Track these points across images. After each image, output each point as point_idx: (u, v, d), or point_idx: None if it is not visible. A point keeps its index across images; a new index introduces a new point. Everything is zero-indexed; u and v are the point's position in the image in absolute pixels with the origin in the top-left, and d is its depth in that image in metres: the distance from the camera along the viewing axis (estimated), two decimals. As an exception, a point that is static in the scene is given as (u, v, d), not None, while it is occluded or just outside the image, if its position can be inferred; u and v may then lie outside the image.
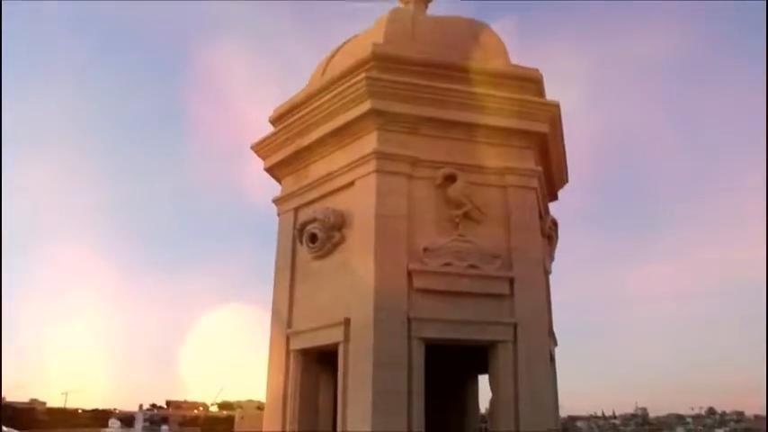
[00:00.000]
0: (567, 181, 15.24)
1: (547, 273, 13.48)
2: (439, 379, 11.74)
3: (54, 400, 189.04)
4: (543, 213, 13.31)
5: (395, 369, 10.37)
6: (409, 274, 10.91)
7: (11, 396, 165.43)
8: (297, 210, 12.74)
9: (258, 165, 13.76)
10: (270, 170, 13.68)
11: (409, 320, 10.66)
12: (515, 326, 11.25)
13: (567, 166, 14.83)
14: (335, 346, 11.06)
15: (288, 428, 11.62)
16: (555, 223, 14.16)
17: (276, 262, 12.88)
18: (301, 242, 12.23)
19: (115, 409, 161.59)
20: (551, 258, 14.28)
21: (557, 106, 12.59)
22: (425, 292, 10.93)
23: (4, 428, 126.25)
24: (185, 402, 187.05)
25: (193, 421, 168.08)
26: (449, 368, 13.14)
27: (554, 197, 15.08)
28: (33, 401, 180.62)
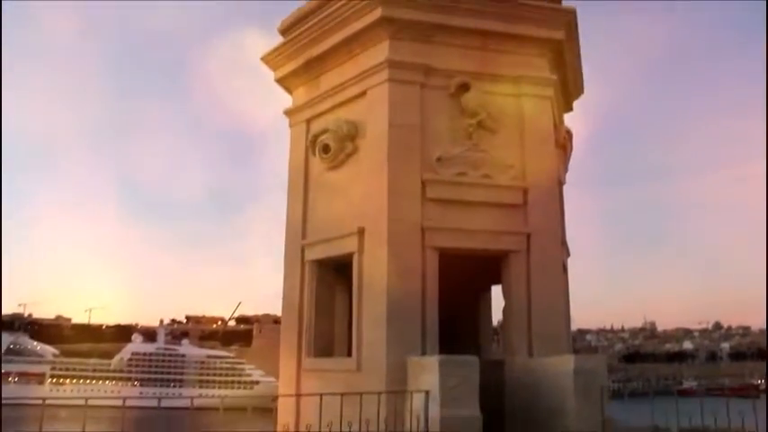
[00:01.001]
0: (582, 92, 15.00)
1: (561, 183, 13.44)
2: (452, 289, 11.91)
3: (78, 317, 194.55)
4: (558, 123, 13.17)
5: (409, 278, 10.52)
6: (423, 183, 10.92)
7: (37, 313, 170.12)
8: (309, 121, 12.67)
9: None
10: (280, 81, 13.54)
11: (423, 230, 10.74)
12: (528, 236, 11.31)
13: (583, 76, 14.58)
14: (350, 255, 11.20)
15: (304, 337, 11.89)
16: (569, 134, 14.03)
17: (289, 174, 12.91)
18: (314, 153, 12.22)
19: (137, 325, 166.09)
20: (565, 169, 14.22)
21: (573, 12, 12.27)
22: (439, 201, 10.96)
23: (34, 342, 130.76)
24: (204, 317, 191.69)
25: (212, 335, 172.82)
26: (462, 279, 13.29)
27: (569, 108, 14.89)
28: (59, 318, 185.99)
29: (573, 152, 14.41)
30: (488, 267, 12.21)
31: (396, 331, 10.24)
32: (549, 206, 11.73)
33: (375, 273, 10.66)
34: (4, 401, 5.44)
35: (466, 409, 8.86)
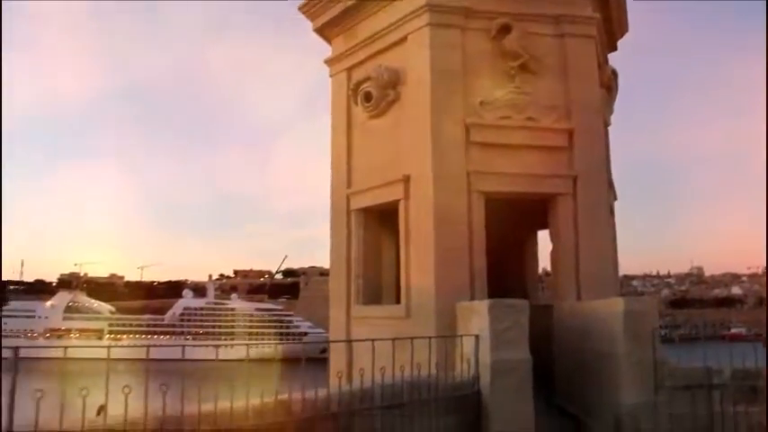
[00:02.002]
0: (627, 30, 14.61)
1: (606, 124, 13.20)
2: (499, 235, 11.89)
3: (131, 275, 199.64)
4: (602, 63, 12.87)
5: (455, 223, 10.52)
6: (466, 128, 10.83)
7: (92, 272, 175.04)
8: (349, 70, 12.61)
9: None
10: (319, 31, 13.44)
11: (468, 175, 10.69)
12: (574, 178, 11.18)
13: (627, 14, 14.19)
14: (396, 203, 11.23)
15: (352, 285, 12.03)
16: (615, 73, 13.72)
17: (332, 124, 12.91)
18: (356, 102, 12.18)
19: (187, 281, 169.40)
20: (610, 110, 13.95)
21: None
22: (483, 145, 10.88)
23: (91, 300, 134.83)
24: (251, 271, 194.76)
25: (260, 288, 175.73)
26: (508, 224, 13.25)
27: (613, 48, 14.53)
28: (112, 276, 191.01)
29: (618, 92, 14.12)
30: (534, 212, 12.15)
31: (444, 277, 10.28)
32: (595, 148, 11.55)
33: (421, 219, 10.68)
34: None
35: (516, 352, 8.90)
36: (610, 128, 13.78)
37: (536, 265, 15.70)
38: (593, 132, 11.52)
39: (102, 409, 5.74)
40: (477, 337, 9.04)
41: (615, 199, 13.46)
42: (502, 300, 9.21)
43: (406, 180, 11.02)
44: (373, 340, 7.78)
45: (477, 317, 9.19)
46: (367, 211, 12.10)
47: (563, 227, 11.15)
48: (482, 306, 9.17)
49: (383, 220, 12.12)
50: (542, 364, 9.43)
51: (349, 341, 8.89)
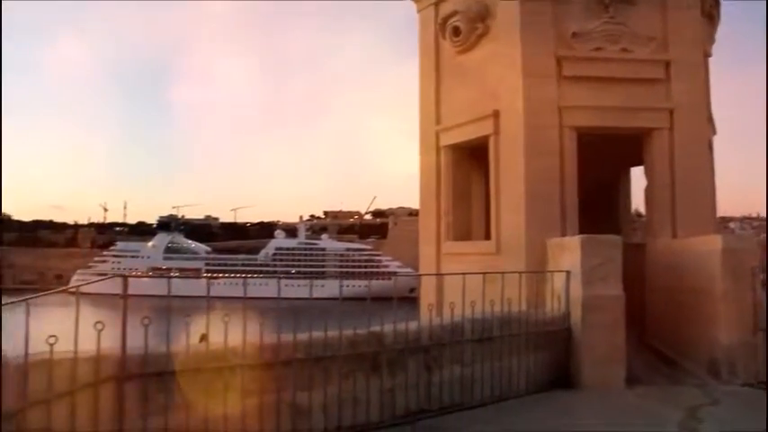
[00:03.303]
0: (730, -47, 13.73)
1: (706, 55, 12.57)
2: (591, 171, 11.64)
3: (225, 216, 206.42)
4: (703, -11, 12.19)
5: (546, 158, 10.36)
6: (558, 61, 10.55)
7: (189, 214, 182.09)
8: (437, 4, 12.38)
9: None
10: (405, -34, 13.23)
11: (559, 109, 10.47)
12: (671, 111, 10.79)
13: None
14: (485, 138, 11.12)
15: (442, 221, 12.09)
16: (717, 1, 12.98)
17: (420, 60, 12.81)
18: (444, 37, 12.01)
19: (279, 222, 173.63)
20: (711, 40, 13.24)
21: None
22: (575, 79, 10.59)
23: (189, 241, 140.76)
24: (341, 212, 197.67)
25: (350, 229, 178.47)
26: (601, 160, 12.94)
27: (715, -28, 13.70)
28: (208, 218, 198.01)
29: (720, 21, 13.37)
30: (628, 147, 11.82)
31: (534, 213, 10.20)
32: (694, 80, 11.07)
33: (512, 155, 10.56)
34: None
35: (608, 289, 8.80)
36: (710, 59, 13.10)
37: (629, 204, 15.35)
38: (692, 63, 11.04)
39: (203, 338, 6.07)
40: (568, 273, 8.98)
41: (714, 134, 12.90)
42: (594, 236, 9.09)
43: (496, 115, 10.88)
44: (464, 274, 7.84)
45: (568, 253, 9.11)
46: (456, 148, 12.04)
47: (658, 162, 10.82)
48: (574, 242, 9.08)
49: (473, 156, 12.05)
50: (635, 302, 9.30)
51: (440, 274, 8.97)
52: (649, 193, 11.11)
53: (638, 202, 14.59)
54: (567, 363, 8.88)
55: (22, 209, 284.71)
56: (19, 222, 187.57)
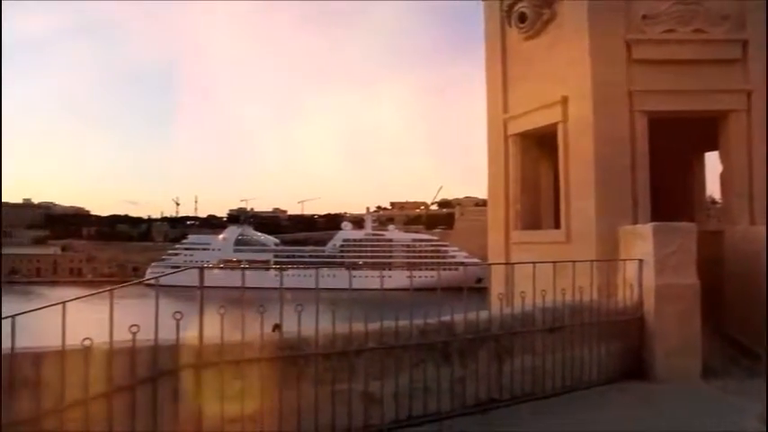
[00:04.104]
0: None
1: (787, 34, 12.07)
2: (663, 157, 11.36)
3: (293, 208, 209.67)
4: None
5: (617, 144, 10.14)
6: (627, 45, 10.29)
7: (258, 207, 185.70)
8: (502, -9, 12.26)
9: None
10: (470, -48, 13.15)
11: (630, 94, 10.22)
12: (749, 93, 10.41)
13: None
14: (554, 126, 10.95)
15: (511, 211, 12.00)
16: (797, -26, 12.44)
17: (485, 48, 12.69)
18: (510, 24, 11.87)
19: (345, 213, 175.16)
20: (792, 16, 12.71)
21: None
22: (646, 62, 10.31)
23: (258, 233, 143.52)
24: (407, 203, 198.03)
25: (416, 219, 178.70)
26: (673, 145, 12.61)
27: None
28: (276, 210, 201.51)
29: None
30: (702, 131, 11.48)
31: (605, 200, 10.02)
32: (773, 59, 10.63)
33: (581, 142, 10.38)
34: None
35: (683, 277, 8.61)
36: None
37: (703, 190, 14.90)
38: (770, 42, 10.59)
39: (276, 327, 6.22)
40: (640, 261, 8.81)
41: (796, 113, 12.39)
42: (667, 223, 8.89)
43: (565, 102, 10.70)
44: (534, 263, 7.79)
45: (640, 241, 8.93)
46: (524, 136, 11.92)
47: (735, 146, 10.47)
48: (646, 230, 8.90)
49: (541, 144, 11.90)
50: (710, 290, 9.03)
51: (510, 263, 8.91)
52: (726, 179, 10.77)
53: (712, 188, 14.20)
54: (640, 353, 8.72)
55: (99, 205, 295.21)
56: (97, 217, 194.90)
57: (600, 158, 10.09)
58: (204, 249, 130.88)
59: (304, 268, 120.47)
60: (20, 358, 4.73)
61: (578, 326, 8.08)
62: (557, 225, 11.17)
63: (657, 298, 8.59)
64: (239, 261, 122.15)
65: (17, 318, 4.67)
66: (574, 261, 8.25)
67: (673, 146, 12.41)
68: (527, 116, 11.63)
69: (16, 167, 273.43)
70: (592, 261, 8.64)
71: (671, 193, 13.33)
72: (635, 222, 9.84)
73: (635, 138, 10.19)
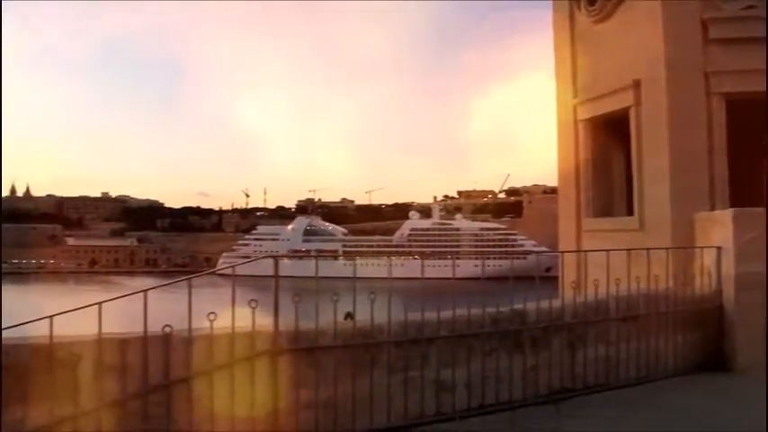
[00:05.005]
0: None
1: None
2: (742, 141, 10.95)
3: (360, 198, 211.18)
4: None
5: (693, 128, 9.85)
6: (703, 23, 9.94)
7: (325, 197, 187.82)
8: (571, -27, 12.02)
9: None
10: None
11: (706, 75, 9.89)
12: (836, 71, 9.93)
13: None
14: (626, 110, 10.69)
15: (582, 197, 11.80)
16: None
17: (554, 32, 12.47)
18: (579, 7, 11.63)
19: (413, 202, 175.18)
20: None
21: None
22: (724, 42, 9.94)
23: (326, 223, 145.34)
24: (475, 191, 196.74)
25: (483, 208, 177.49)
26: (753, 129, 12.14)
27: None
28: (343, 200, 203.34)
29: None
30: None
31: (680, 186, 9.75)
32: None
33: (655, 125, 10.11)
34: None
35: (764, 265, 8.31)
36: None
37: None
38: None
39: (349, 316, 6.30)
40: (718, 249, 8.56)
41: None
42: (747, 209, 8.59)
43: (637, 85, 10.43)
44: (608, 251, 7.66)
45: (719, 227, 8.68)
46: (595, 121, 11.68)
47: (818, 128, 10.02)
48: (725, 216, 8.64)
49: (612, 129, 11.62)
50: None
51: (583, 251, 8.77)
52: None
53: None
54: (720, 344, 8.48)
55: (172, 197, 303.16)
56: (170, 209, 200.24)
57: (675, 143, 9.81)
58: (273, 240, 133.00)
59: (375, 257, 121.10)
60: (106, 344, 4.93)
61: (654, 315, 7.92)
62: (629, 212, 10.93)
63: (738, 286, 8.34)
64: (308, 251, 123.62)
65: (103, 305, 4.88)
66: (648, 249, 8.07)
67: (751, 128, 11.95)
68: (598, 101, 11.39)
69: (95, 162, 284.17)
70: (667, 249, 8.43)
71: (749, 179, 12.85)
72: (712, 209, 9.57)
73: (712, 121, 9.88)
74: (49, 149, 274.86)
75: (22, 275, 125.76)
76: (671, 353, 8.00)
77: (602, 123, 11.68)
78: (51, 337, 4.72)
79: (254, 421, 5.33)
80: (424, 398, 6.20)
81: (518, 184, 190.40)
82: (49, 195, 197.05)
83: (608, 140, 11.85)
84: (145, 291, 5.04)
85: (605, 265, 7.61)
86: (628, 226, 10.68)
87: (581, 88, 11.82)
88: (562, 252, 9.57)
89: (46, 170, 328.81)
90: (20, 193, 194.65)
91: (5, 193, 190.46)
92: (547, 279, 7.47)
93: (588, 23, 11.58)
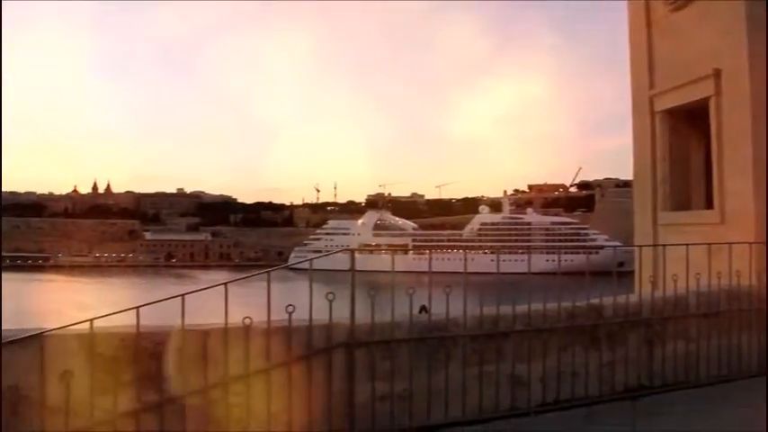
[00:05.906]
0: None
1: None
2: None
3: (430, 193, 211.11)
4: None
5: (777, 118, 9.48)
6: (789, 10, 9.57)
7: (395, 192, 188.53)
8: (647, -38, 11.71)
9: None
10: None
11: (792, 63, 9.51)
12: None
13: None
14: (705, 101, 10.36)
15: (658, 191, 11.51)
16: None
17: (629, 22, 12.16)
18: (655, -4, 11.35)
19: (483, 197, 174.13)
20: None
21: None
22: (811, 28, 9.54)
23: (396, 218, 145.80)
24: (545, 185, 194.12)
25: (554, 202, 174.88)
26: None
27: None
28: (413, 195, 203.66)
29: None
30: None
31: (764, 179, 9.39)
32: None
33: (736, 116, 9.77)
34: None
35: None
36: None
37: None
38: None
39: (423, 309, 6.35)
40: (805, 243, 8.24)
41: None
42: (837, 202, 8.24)
43: (717, 74, 10.08)
44: (687, 245, 7.48)
45: (807, 221, 8.34)
46: (672, 112, 11.36)
47: None
48: (813, 209, 8.30)
49: (691, 120, 11.29)
50: None
51: (661, 245, 8.52)
52: None
53: None
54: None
55: (245, 193, 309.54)
56: (243, 205, 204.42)
57: (758, 134, 9.44)
58: (344, 234, 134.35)
59: (447, 252, 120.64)
60: (189, 335, 5.11)
61: (736, 312, 7.70)
62: (708, 206, 10.61)
63: (826, 282, 8.00)
64: (378, 245, 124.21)
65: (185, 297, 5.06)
66: (730, 243, 7.84)
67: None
68: (675, 91, 11.06)
69: (171, 159, 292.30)
70: (750, 243, 8.16)
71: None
72: (799, 201, 9.19)
73: (797, 111, 9.47)
74: (127, 147, 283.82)
75: (102, 268, 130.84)
76: (755, 351, 7.75)
77: (680, 114, 11.36)
78: (138, 326, 4.91)
79: (331, 412, 5.43)
80: (499, 392, 6.19)
81: (590, 178, 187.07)
82: (127, 192, 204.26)
83: (686, 132, 11.51)
84: (225, 283, 5.18)
85: (684, 259, 7.43)
86: (707, 220, 10.37)
87: (658, 79, 11.50)
88: (639, 246, 9.35)
89: (125, 167, 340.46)
90: (101, 189, 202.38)
91: (87, 189, 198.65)
92: (620, 274, 7.34)
93: (665, 12, 11.25)
